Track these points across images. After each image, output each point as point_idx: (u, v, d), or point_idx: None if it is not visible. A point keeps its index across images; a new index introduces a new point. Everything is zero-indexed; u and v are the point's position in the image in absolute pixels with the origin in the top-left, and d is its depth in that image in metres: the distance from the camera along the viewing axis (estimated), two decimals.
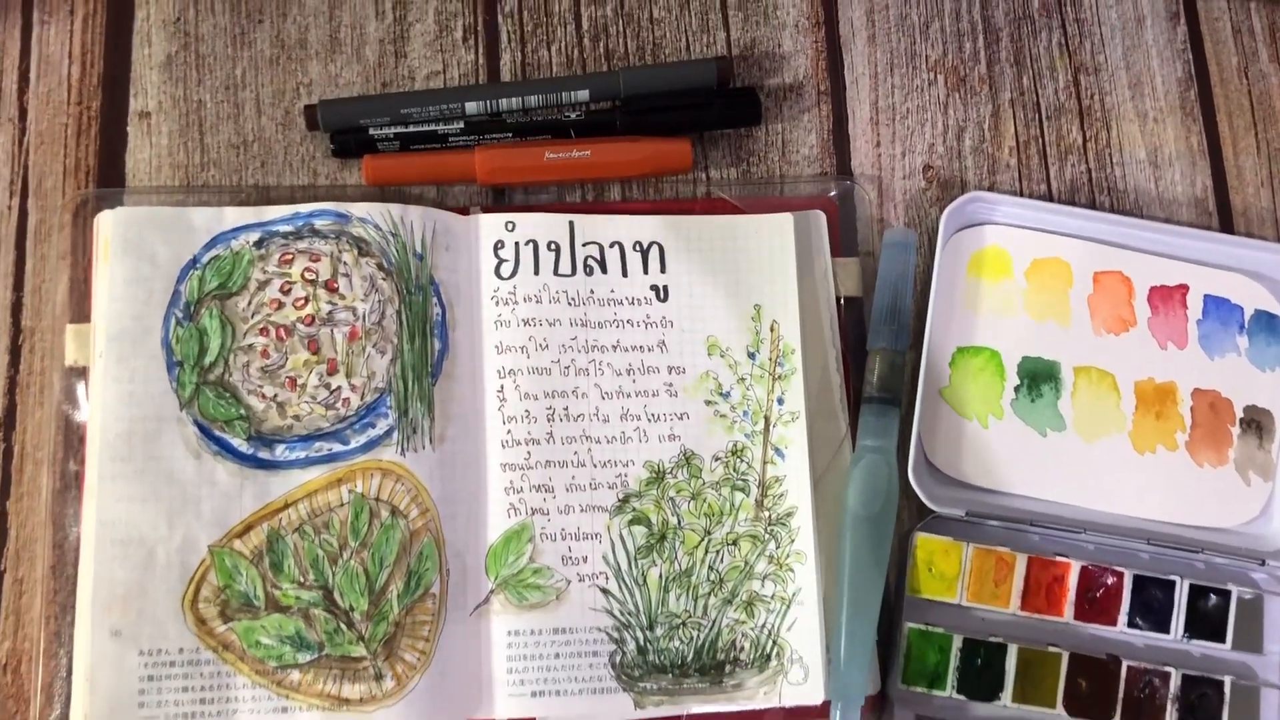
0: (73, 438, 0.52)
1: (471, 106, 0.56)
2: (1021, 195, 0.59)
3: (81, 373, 0.52)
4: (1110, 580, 0.53)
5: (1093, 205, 0.59)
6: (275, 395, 0.52)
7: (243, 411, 0.51)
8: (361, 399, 0.52)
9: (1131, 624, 0.53)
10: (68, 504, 0.51)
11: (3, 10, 0.57)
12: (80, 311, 0.53)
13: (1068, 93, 0.61)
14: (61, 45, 0.57)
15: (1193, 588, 0.53)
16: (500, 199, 0.56)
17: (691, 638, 0.52)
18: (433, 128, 0.56)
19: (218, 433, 0.51)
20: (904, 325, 0.54)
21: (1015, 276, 0.56)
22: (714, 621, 0.52)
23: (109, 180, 0.56)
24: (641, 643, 0.52)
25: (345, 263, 0.53)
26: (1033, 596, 0.53)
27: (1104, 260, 0.57)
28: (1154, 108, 0.61)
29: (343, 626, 0.50)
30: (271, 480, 0.51)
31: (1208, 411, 0.56)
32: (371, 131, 0.56)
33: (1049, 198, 0.59)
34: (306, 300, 0.52)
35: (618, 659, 0.51)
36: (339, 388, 0.52)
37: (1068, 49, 0.62)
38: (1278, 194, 0.60)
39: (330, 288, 0.53)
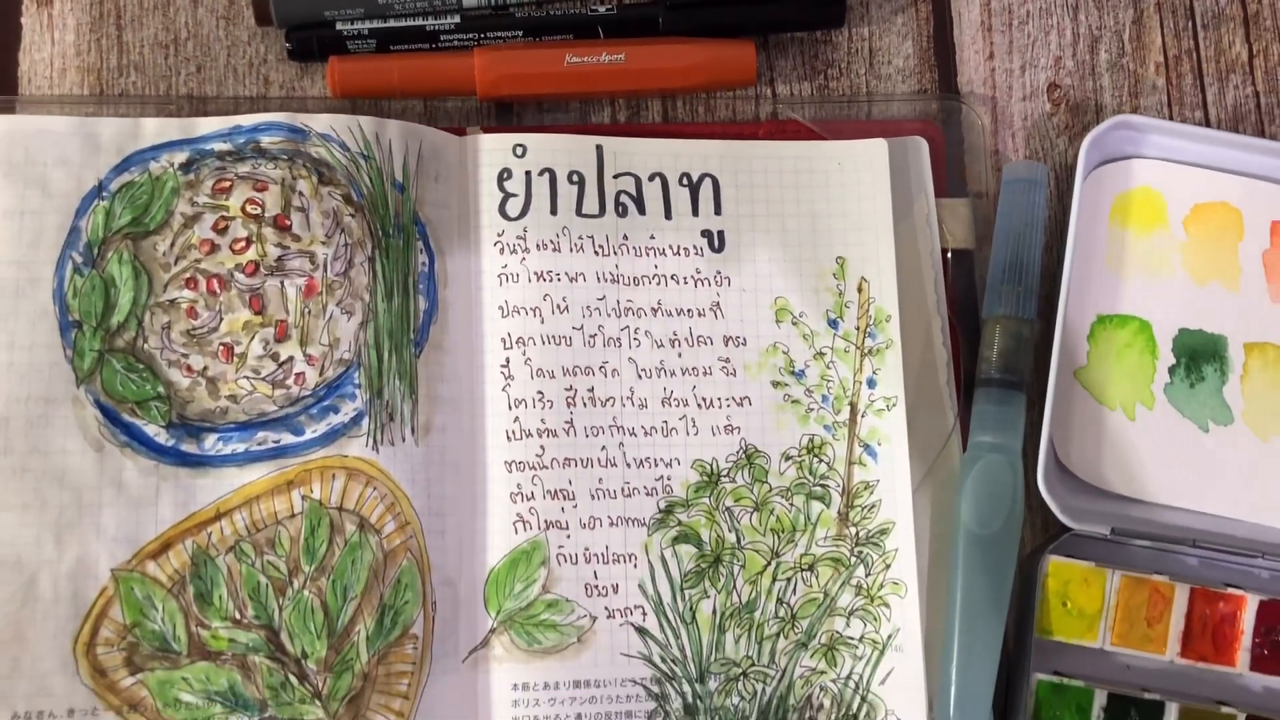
0: None
1: None
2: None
3: None
4: None
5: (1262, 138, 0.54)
6: (205, 368, 0.48)
7: (161, 389, 0.47)
8: (320, 375, 0.48)
9: None
10: None
11: None
12: None
13: None
14: None
15: None
16: (507, 117, 0.53)
17: (755, 692, 0.48)
18: (420, 23, 0.52)
19: (127, 417, 0.47)
20: (1030, 287, 0.50)
21: (1171, 226, 0.52)
22: (784, 671, 0.49)
23: None
24: (690, 699, 0.48)
25: (301, 193, 0.49)
26: (1197, 640, 0.50)
27: None
28: None
29: (292, 679, 0.46)
30: (198, 482, 0.47)
31: None
32: (340, 27, 0.52)
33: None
34: (249, 242, 0.48)
35: None
36: (290, 359, 0.48)
37: None
38: None
39: (281, 226, 0.49)
